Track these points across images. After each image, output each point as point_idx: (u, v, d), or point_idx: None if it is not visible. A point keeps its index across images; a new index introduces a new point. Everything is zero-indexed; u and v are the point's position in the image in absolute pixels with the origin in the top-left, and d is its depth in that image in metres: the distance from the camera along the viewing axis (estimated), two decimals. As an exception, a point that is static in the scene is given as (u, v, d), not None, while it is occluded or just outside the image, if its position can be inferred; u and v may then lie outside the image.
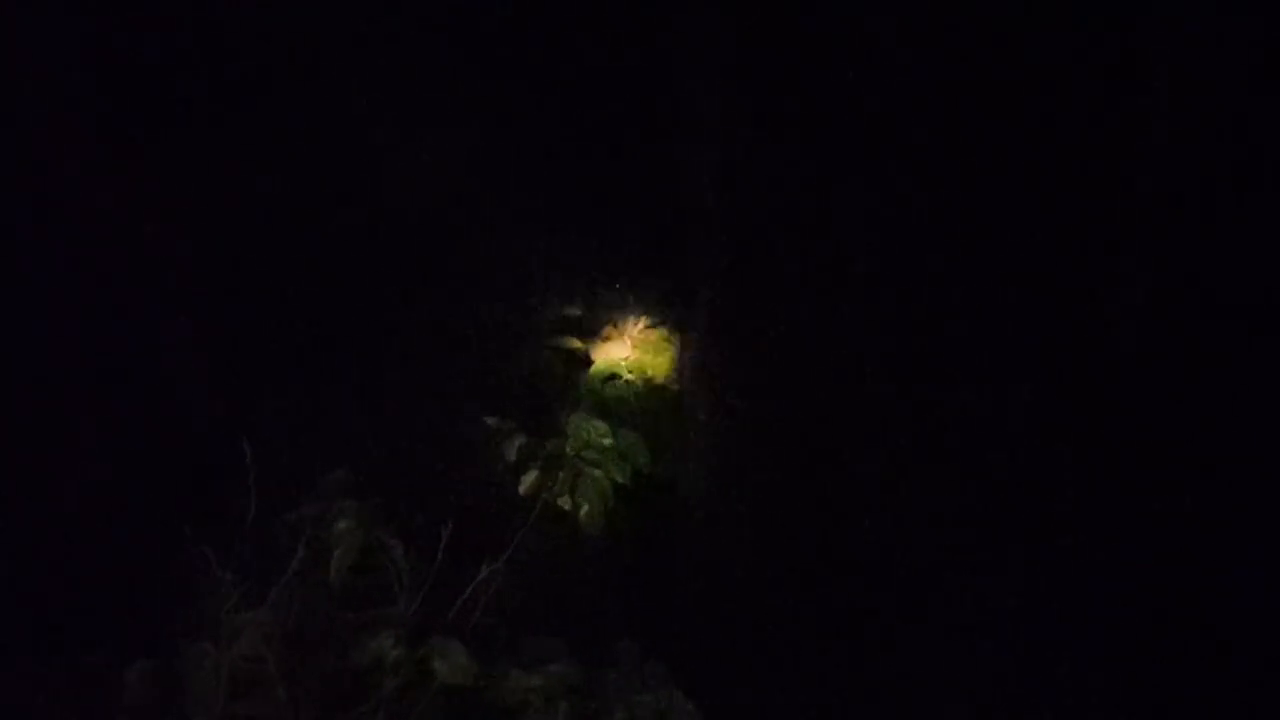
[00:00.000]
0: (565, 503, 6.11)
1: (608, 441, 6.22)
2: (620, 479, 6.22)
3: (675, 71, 7.97)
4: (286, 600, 5.55)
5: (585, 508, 6.10)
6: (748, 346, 7.17)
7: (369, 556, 5.77)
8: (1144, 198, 7.51)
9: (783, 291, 7.34)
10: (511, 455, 6.18)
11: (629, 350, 7.12)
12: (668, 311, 7.28)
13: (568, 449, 6.20)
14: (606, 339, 7.15)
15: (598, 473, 6.14)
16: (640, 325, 7.23)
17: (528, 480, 6.14)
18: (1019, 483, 6.63)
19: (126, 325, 6.29)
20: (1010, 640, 6.25)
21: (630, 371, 7.05)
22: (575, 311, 7.12)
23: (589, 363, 7.07)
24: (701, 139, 7.76)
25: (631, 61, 8.00)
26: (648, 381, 7.02)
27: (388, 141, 7.21)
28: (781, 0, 7.60)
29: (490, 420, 6.26)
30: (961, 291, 7.37)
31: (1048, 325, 7.20)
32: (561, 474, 6.13)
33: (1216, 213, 7.22)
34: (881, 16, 7.65)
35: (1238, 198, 7.16)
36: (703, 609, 6.26)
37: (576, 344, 7.05)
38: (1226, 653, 6.37)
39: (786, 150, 7.73)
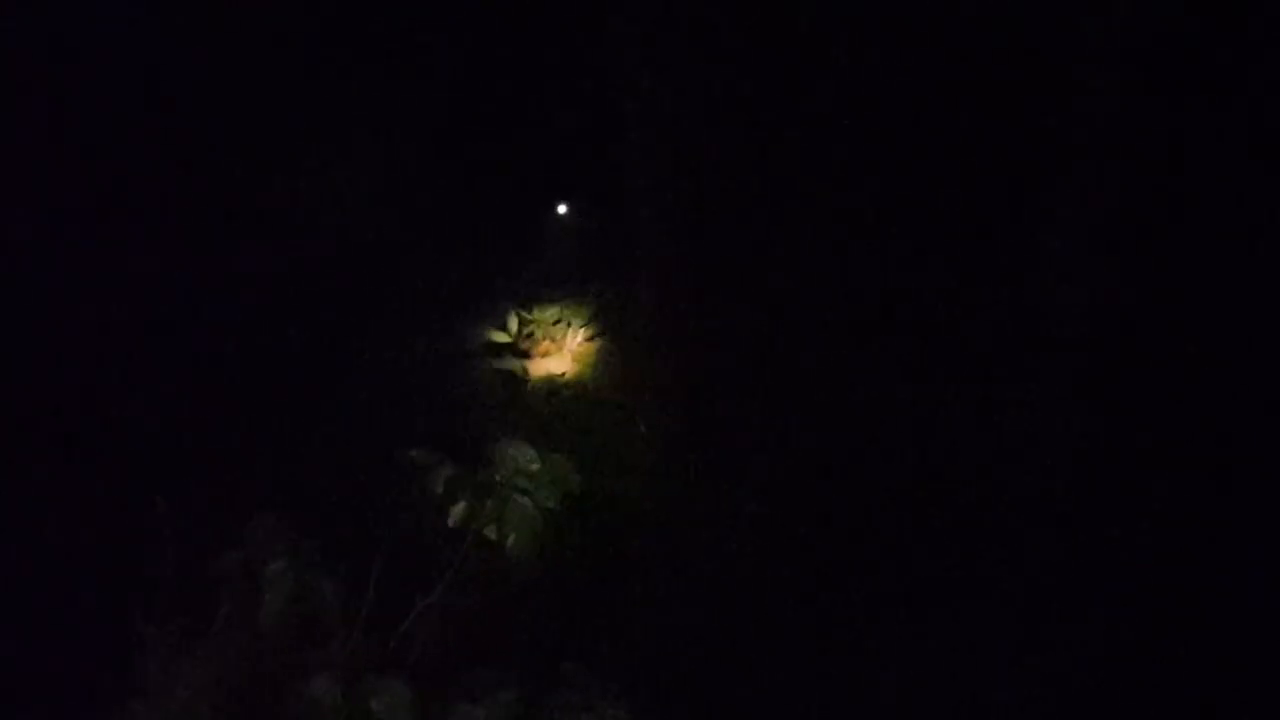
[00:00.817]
0: (492, 533, 6.03)
1: (535, 467, 6.11)
2: (550, 504, 6.15)
3: (603, 85, 7.97)
4: (218, 650, 5.49)
5: (513, 536, 6.02)
6: (686, 353, 7.14)
7: (301, 599, 5.69)
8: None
9: (718, 296, 7.31)
10: (439, 487, 6.10)
11: (569, 364, 7.07)
12: (606, 322, 7.25)
13: (496, 477, 6.12)
14: (546, 354, 7.09)
15: (525, 500, 6.04)
16: (579, 338, 7.17)
17: (456, 512, 6.05)
18: (983, 518, 6.62)
19: (35, 374, 6.26)
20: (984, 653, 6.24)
21: (569, 386, 7.01)
22: (507, 333, 7.08)
23: (527, 381, 7.03)
24: (630, 145, 7.75)
25: (554, 80, 8.01)
26: (588, 394, 6.98)
27: (302, 176, 7.21)
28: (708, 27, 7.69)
29: (415, 453, 6.18)
30: (903, 290, 7.37)
31: (988, 323, 7.21)
32: (490, 503, 6.05)
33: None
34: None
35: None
36: (650, 622, 6.21)
37: (512, 364, 7.00)
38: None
39: (720, 153, 7.73)
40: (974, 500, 6.54)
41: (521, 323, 7.15)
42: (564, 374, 7.04)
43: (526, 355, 7.08)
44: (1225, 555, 6.43)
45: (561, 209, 7.11)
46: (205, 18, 7.41)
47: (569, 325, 7.18)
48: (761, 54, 7.57)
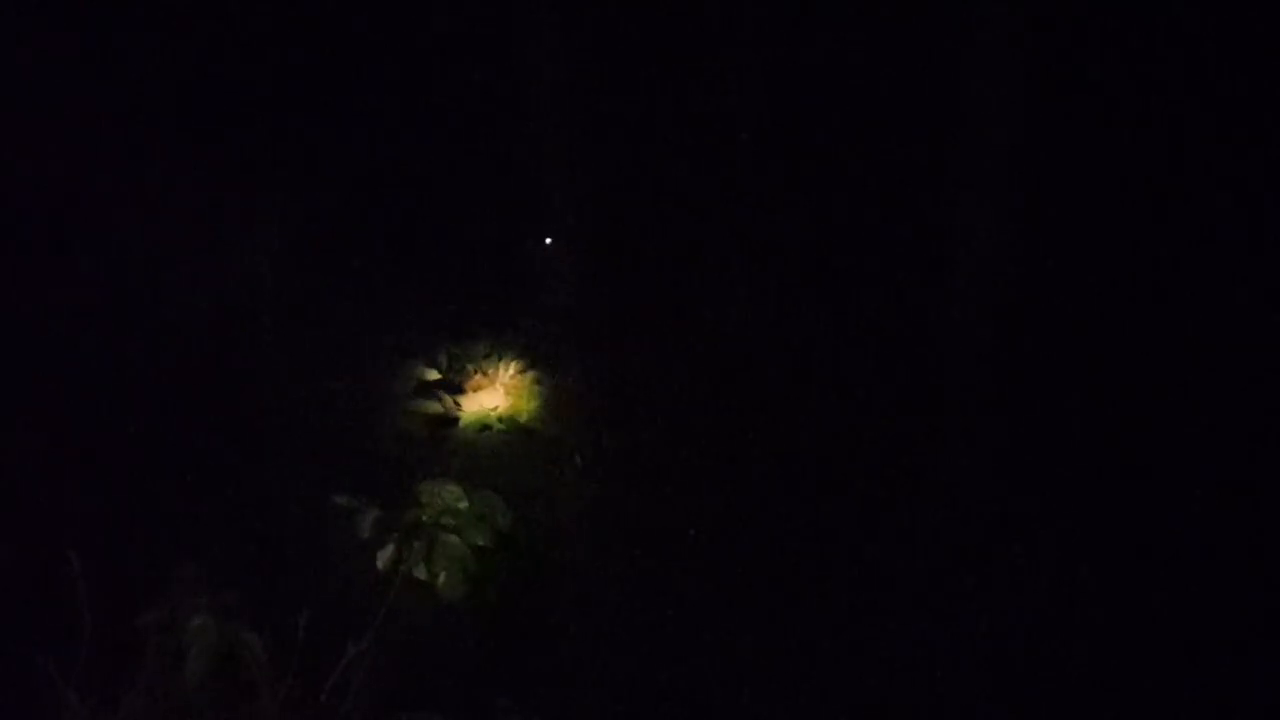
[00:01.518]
0: (421, 573, 5.92)
1: (463, 505, 6.02)
2: (480, 541, 6.04)
3: (523, 111, 7.92)
4: (141, 711, 5.35)
5: (443, 576, 5.92)
6: (619, 384, 7.07)
7: (226, 653, 5.57)
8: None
9: (651, 324, 7.26)
10: (365, 532, 5.99)
11: (502, 398, 6.97)
12: (537, 354, 7.16)
13: (423, 517, 6.01)
14: (477, 389, 6.99)
15: (453, 538, 5.95)
16: (511, 371, 7.08)
17: (384, 555, 5.95)
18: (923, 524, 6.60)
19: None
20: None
21: (502, 420, 6.90)
22: (435, 370, 6.97)
23: (457, 419, 6.92)
24: (550, 173, 7.68)
25: (474, 108, 7.94)
26: (521, 428, 6.87)
27: (213, 219, 7.13)
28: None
29: (340, 497, 6.07)
30: (831, 308, 7.34)
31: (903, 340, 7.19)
32: (418, 544, 5.94)
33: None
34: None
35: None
36: (585, 657, 6.11)
37: (437, 405, 6.89)
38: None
39: (641, 177, 7.69)
40: (913, 518, 6.44)
41: (452, 357, 7.00)
42: (496, 408, 6.91)
43: (459, 390, 6.94)
44: (1139, 545, 6.37)
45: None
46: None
47: (500, 358, 7.05)
48: (673, 79, 7.53)
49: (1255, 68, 7.69)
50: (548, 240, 7.36)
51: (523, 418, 6.86)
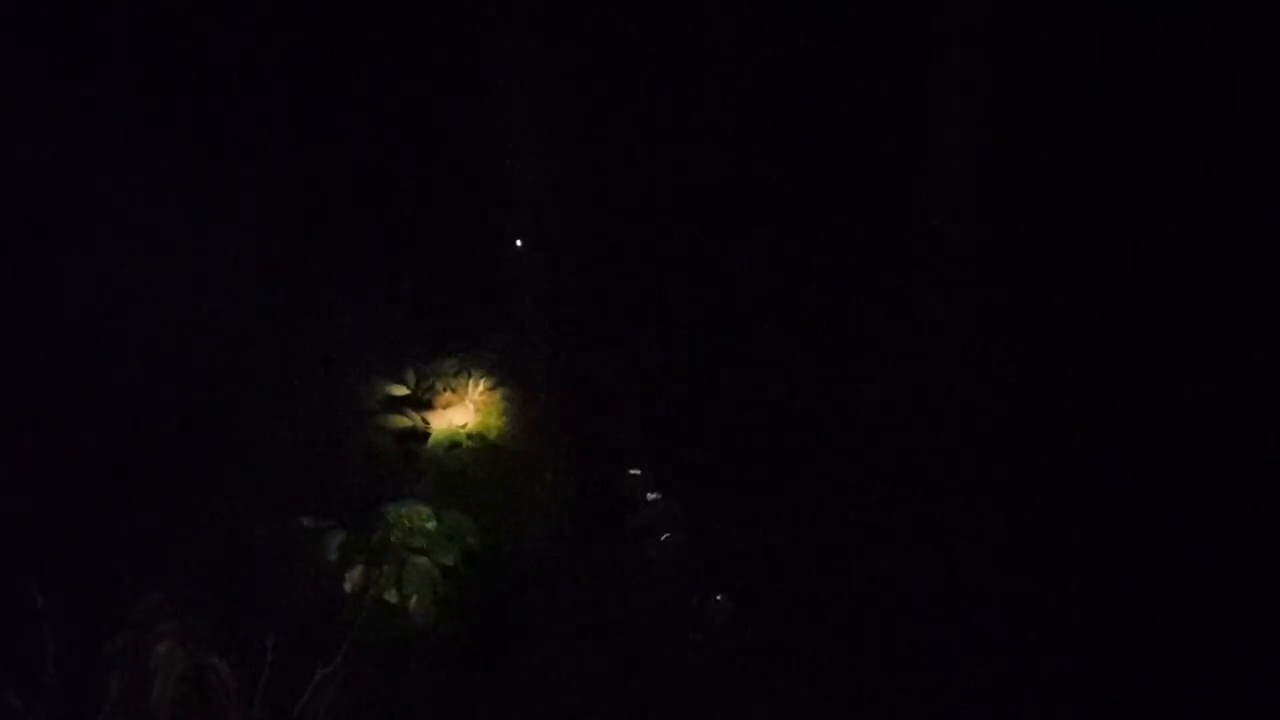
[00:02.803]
0: (392, 596, 5.87)
1: (431, 525, 5.98)
2: (449, 561, 6.00)
3: (494, 132, 7.89)
4: (107, 739, 5.28)
5: (414, 598, 5.87)
6: (585, 401, 7.03)
7: (193, 680, 5.52)
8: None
9: (617, 340, 7.23)
10: (332, 554, 5.94)
11: (471, 414, 6.93)
12: (506, 371, 7.12)
13: (391, 538, 5.96)
14: (447, 406, 6.95)
15: (422, 560, 5.90)
16: (481, 388, 7.03)
17: (352, 577, 5.90)
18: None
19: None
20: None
21: (471, 437, 6.85)
22: (403, 388, 6.93)
23: (427, 435, 6.87)
24: (520, 194, 7.65)
25: (446, 130, 7.91)
26: (491, 444, 6.83)
27: (179, 249, 7.08)
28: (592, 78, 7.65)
29: (305, 521, 6.02)
30: (795, 317, 7.33)
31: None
32: (387, 566, 5.89)
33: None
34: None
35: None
36: (555, 673, 6.06)
37: (406, 420, 6.83)
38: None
39: (611, 197, 7.67)
40: (884, 519, 6.43)
41: (420, 375, 6.96)
42: (466, 424, 6.87)
43: (428, 407, 6.91)
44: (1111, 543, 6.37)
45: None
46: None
47: (470, 376, 7.01)
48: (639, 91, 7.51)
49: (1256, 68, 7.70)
50: (518, 242, 7.33)
51: (492, 434, 6.82)
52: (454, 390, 6.99)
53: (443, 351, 7.07)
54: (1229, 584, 6.21)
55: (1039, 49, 7.75)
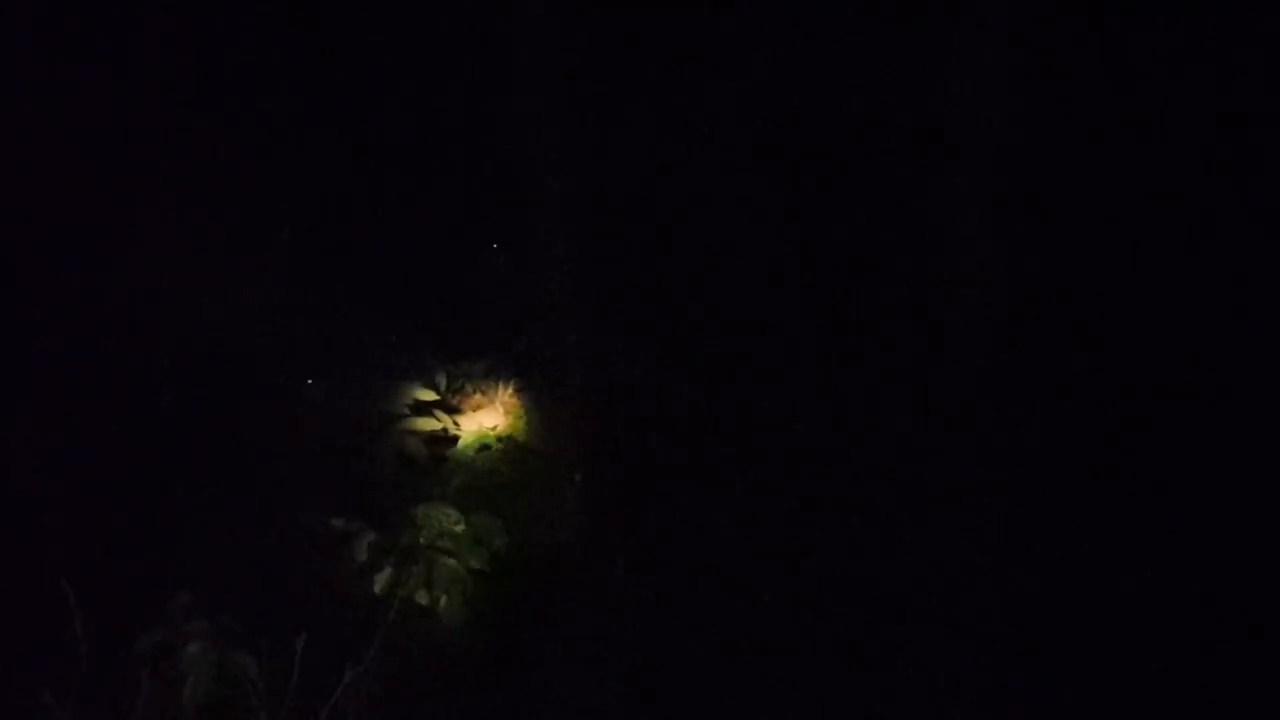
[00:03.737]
0: (422, 597, 5.90)
1: (460, 528, 6.01)
2: (477, 564, 6.03)
3: (519, 133, 7.91)
4: (139, 737, 5.33)
5: (444, 599, 5.90)
6: (619, 402, 7.05)
7: (224, 679, 5.56)
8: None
9: (651, 342, 7.25)
10: (362, 555, 5.98)
11: (501, 417, 6.95)
12: (536, 374, 7.14)
13: (420, 540, 6.00)
14: (477, 409, 6.98)
15: (452, 562, 5.93)
16: (510, 390, 7.06)
17: (381, 579, 5.93)
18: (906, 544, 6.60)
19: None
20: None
21: (501, 440, 6.88)
22: (433, 391, 6.96)
23: (456, 439, 6.90)
24: (549, 196, 7.67)
25: (473, 125, 7.94)
26: (520, 447, 6.85)
27: (209, 244, 7.11)
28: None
29: (337, 522, 6.06)
30: (833, 316, 7.33)
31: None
32: (416, 568, 5.92)
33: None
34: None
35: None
36: (586, 678, 6.08)
37: (435, 424, 6.87)
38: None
39: (638, 196, 7.68)
40: (907, 523, 6.45)
41: (450, 378, 6.97)
42: (496, 427, 6.89)
43: (457, 410, 6.92)
44: (1130, 549, 6.37)
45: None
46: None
47: (499, 378, 7.03)
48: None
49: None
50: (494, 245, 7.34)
51: (521, 437, 6.83)
52: (484, 393, 7.00)
53: (473, 354, 7.08)
54: (1231, 584, 6.22)
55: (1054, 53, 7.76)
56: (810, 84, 7.69)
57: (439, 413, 6.87)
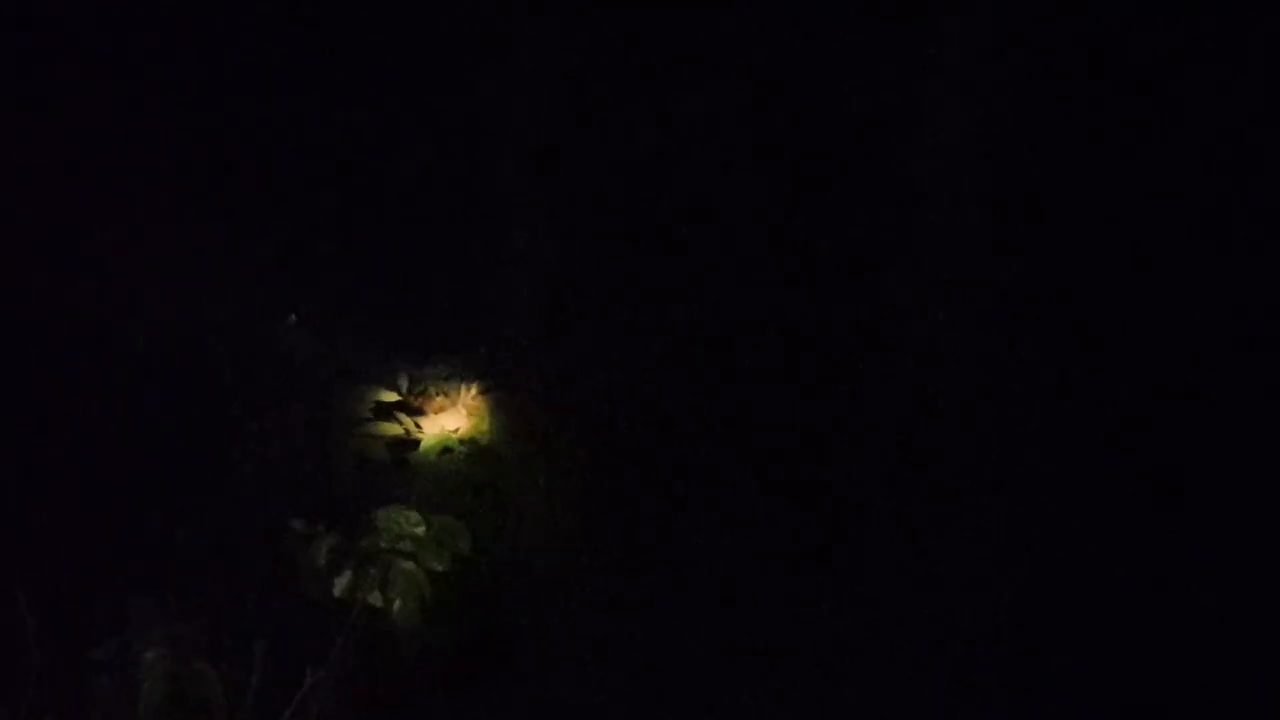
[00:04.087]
0: (376, 600, 5.86)
1: (420, 530, 5.96)
2: (439, 566, 5.98)
3: (482, 133, 7.88)
4: (93, 747, 5.27)
5: (399, 602, 5.86)
6: (581, 403, 7.02)
7: (181, 687, 5.50)
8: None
9: (613, 344, 7.22)
10: (321, 558, 5.93)
11: (463, 419, 6.91)
12: (499, 376, 7.11)
13: (380, 543, 5.95)
14: (439, 411, 6.94)
15: (409, 564, 5.89)
16: (473, 392, 7.02)
17: (341, 583, 5.89)
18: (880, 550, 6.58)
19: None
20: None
21: (463, 442, 6.84)
22: (394, 395, 6.92)
23: (418, 442, 6.86)
24: (511, 193, 7.64)
25: (432, 125, 7.90)
26: (482, 450, 6.81)
27: (168, 251, 7.07)
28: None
29: (295, 524, 6.01)
30: (792, 318, 7.32)
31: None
32: (374, 571, 5.88)
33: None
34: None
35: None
36: (545, 680, 6.06)
37: (397, 427, 6.83)
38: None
39: (606, 198, 7.66)
40: (883, 524, 6.42)
41: (412, 380, 6.93)
42: (458, 430, 6.84)
43: (419, 412, 6.87)
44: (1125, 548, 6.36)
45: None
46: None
47: (462, 380, 6.98)
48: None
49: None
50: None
51: (484, 440, 6.80)
52: (446, 395, 6.96)
53: (435, 356, 7.04)
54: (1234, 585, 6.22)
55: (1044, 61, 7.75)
56: (804, 82, 7.68)
57: (401, 415, 6.83)
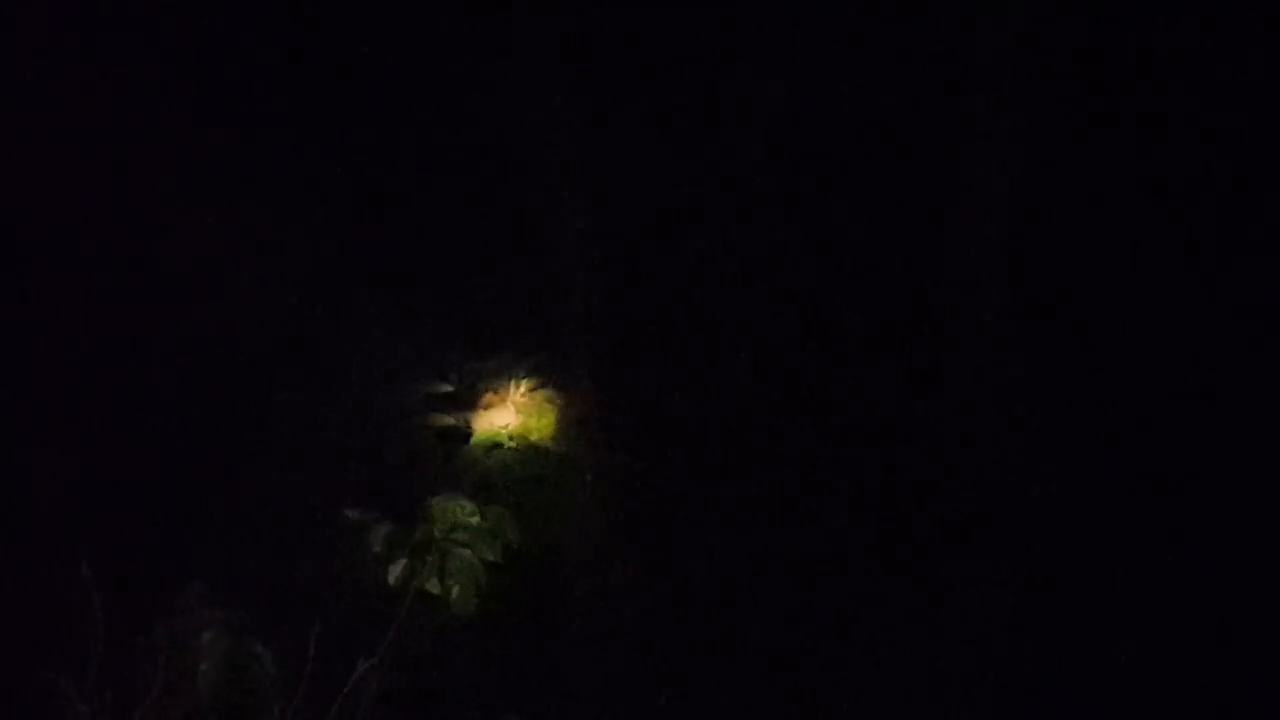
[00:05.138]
0: (434, 587, 5.93)
1: (475, 520, 6.04)
2: (491, 556, 6.05)
3: (531, 122, 7.93)
4: (153, 724, 5.35)
5: (456, 590, 5.93)
6: (630, 401, 7.07)
7: (237, 668, 5.58)
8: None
9: (662, 342, 7.26)
10: (377, 545, 6.01)
11: (512, 416, 6.97)
12: (549, 372, 7.16)
13: (435, 532, 6.03)
14: (489, 407, 6.99)
15: (466, 553, 5.96)
16: (522, 389, 7.08)
17: (395, 570, 5.97)
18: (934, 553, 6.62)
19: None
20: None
21: (513, 438, 6.89)
22: (447, 387, 6.98)
23: (469, 436, 6.92)
24: (565, 190, 7.68)
25: (484, 120, 7.95)
26: (532, 446, 6.87)
27: (225, 238, 7.13)
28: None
29: (351, 513, 6.09)
30: (847, 323, 7.35)
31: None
32: (430, 559, 5.95)
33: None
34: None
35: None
36: (594, 674, 6.11)
37: (449, 419, 6.89)
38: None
39: (655, 194, 7.70)
40: (926, 532, 6.45)
41: (463, 374, 6.99)
42: (508, 426, 6.89)
43: (469, 408, 6.94)
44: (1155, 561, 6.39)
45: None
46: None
47: (512, 377, 7.04)
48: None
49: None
50: None
51: (534, 436, 6.85)
52: (495, 391, 7.02)
53: (485, 352, 7.09)
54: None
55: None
56: (838, 89, 7.72)
57: (451, 409, 6.90)
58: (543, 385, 7.04)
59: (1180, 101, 7.57)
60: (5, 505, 6.08)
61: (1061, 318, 7.12)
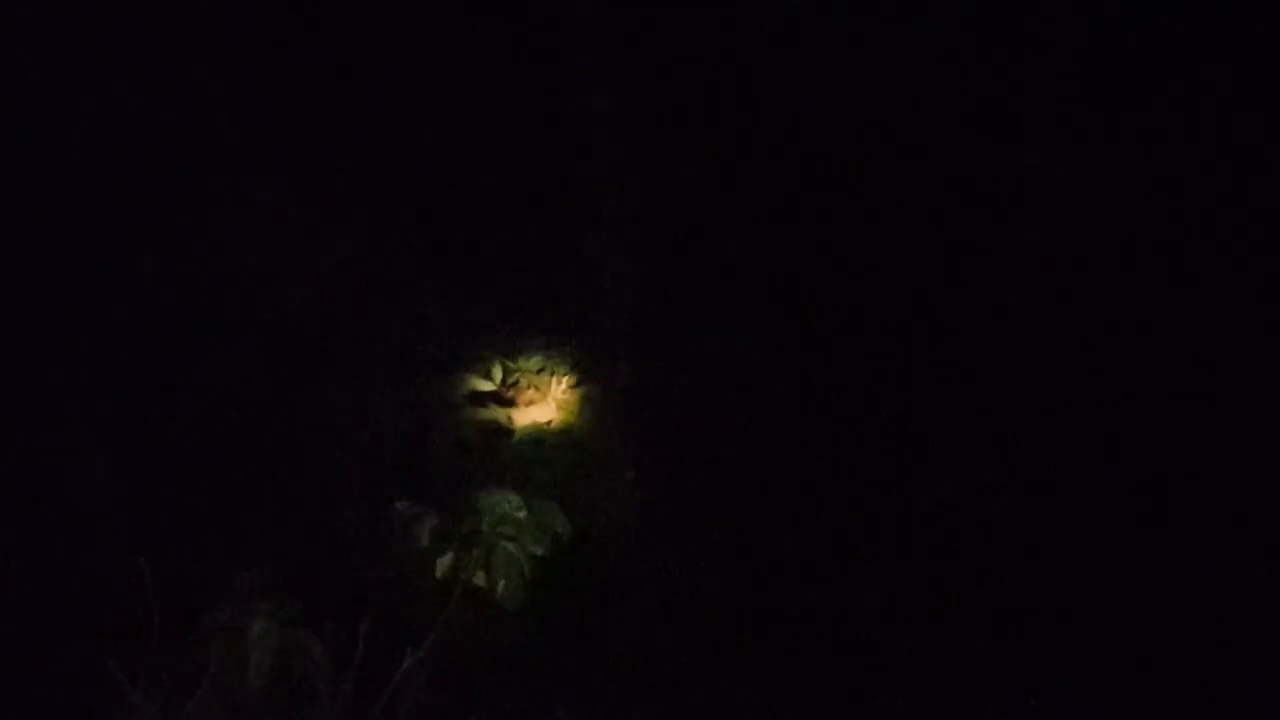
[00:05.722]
0: (481, 580, 5.97)
1: (522, 514, 6.07)
2: (538, 550, 6.09)
3: (580, 127, 7.97)
4: (205, 711, 5.42)
5: (502, 583, 5.97)
6: (670, 398, 7.09)
7: (287, 658, 5.64)
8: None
9: (704, 339, 7.28)
10: (425, 539, 6.05)
11: (554, 412, 7.01)
12: (591, 369, 7.19)
13: (482, 526, 6.06)
14: (530, 403, 7.04)
15: (512, 546, 6.00)
16: (564, 386, 7.12)
17: (443, 563, 6.01)
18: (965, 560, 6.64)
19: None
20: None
21: (555, 434, 6.93)
22: (489, 383, 7.03)
23: (511, 431, 6.96)
24: (607, 190, 7.72)
25: (531, 121, 8.00)
26: (574, 442, 6.91)
27: (276, 228, 7.19)
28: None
29: (400, 505, 6.13)
30: (886, 322, 7.37)
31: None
32: (476, 552, 5.99)
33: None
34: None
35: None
36: (641, 667, 6.13)
37: (493, 414, 6.94)
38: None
39: (695, 196, 7.73)
40: (956, 540, 6.48)
41: (506, 371, 7.04)
42: (549, 422, 6.94)
43: (511, 404, 6.98)
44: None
45: None
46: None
47: (553, 373, 7.08)
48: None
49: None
50: None
51: (575, 432, 6.89)
52: (537, 388, 7.06)
53: (527, 348, 7.14)
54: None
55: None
56: (876, 99, 7.75)
57: (493, 405, 6.94)
58: (583, 383, 7.08)
59: (1179, 99, 7.63)
60: (64, 500, 6.16)
61: (1078, 315, 7.18)
